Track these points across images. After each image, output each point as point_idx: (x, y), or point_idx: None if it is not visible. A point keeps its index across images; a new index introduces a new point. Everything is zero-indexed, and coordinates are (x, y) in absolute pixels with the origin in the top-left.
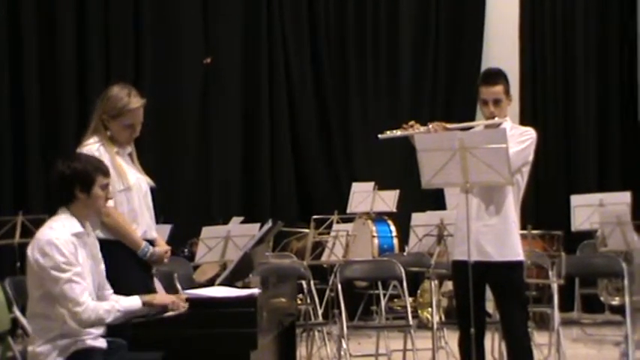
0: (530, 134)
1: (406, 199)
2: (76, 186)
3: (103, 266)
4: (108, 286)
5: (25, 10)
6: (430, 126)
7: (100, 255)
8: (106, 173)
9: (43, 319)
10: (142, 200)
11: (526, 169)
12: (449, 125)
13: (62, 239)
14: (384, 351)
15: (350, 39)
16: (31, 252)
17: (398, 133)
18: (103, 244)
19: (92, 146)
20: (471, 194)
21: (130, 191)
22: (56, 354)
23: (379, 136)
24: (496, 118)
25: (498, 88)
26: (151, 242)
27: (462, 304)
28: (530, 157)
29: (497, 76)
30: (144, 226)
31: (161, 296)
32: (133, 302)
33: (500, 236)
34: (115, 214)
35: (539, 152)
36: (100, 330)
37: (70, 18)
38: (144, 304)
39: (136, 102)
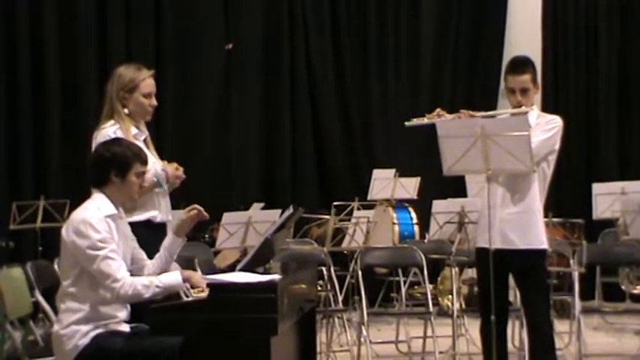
0: (556, 122)
1: (427, 186)
2: (112, 169)
3: (135, 243)
4: (144, 256)
5: (46, 5)
6: (457, 115)
7: (131, 235)
8: (144, 162)
9: (73, 299)
10: None
11: (552, 158)
12: (476, 114)
13: (97, 218)
14: (403, 338)
15: (371, 25)
16: (66, 232)
17: (425, 120)
18: None
19: (109, 129)
20: (496, 182)
21: (161, 188)
22: (80, 336)
23: (406, 123)
24: (523, 107)
25: (526, 77)
26: (165, 225)
27: (484, 291)
28: (557, 146)
29: (525, 64)
30: (159, 210)
31: (199, 275)
32: (174, 277)
33: (525, 224)
34: None
35: (562, 140)
36: (124, 315)
37: (91, 5)
38: (184, 280)
39: (147, 72)
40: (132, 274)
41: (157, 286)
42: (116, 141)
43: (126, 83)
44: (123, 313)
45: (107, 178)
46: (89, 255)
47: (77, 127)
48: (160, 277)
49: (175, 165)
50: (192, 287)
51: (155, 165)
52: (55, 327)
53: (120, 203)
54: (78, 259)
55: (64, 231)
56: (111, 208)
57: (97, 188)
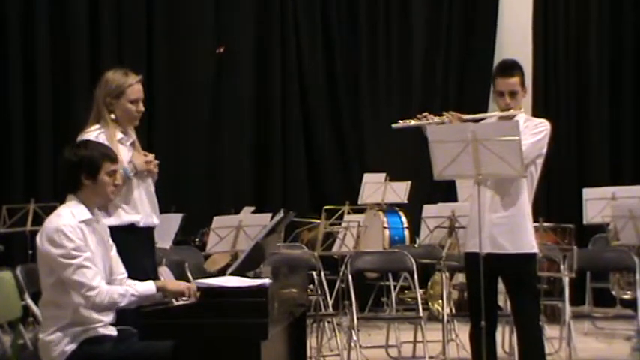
0: (544, 126)
1: (418, 191)
2: (82, 173)
3: (114, 251)
4: (122, 269)
5: (38, 3)
6: (445, 116)
7: (110, 240)
8: (113, 160)
9: (55, 307)
10: (142, 189)
11: (540, 161)
12: (464, 116)
13: (70, 226)
14: (394, 342)
15: (362, 29)
16: (40, 241)
17: (412, 123)
18: None
19: (91, 134)
20: (485, 186)
21: (130, 180)
22: (67, 342)
23: (393, 125)
24: (511, 110)
25: (514, 80)
26: (152, 229)
27: (473, 296)
28: (544, 150)
29: (513, 67)
30: (144, 214)
31: (174, 282)
32: (148, 287)
33: (515, 228)
34: None
35: (552, 145)
36: (110, 318)
37: (83, 9)
38: (158, 289)
39: (134, 77)
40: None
41: (133, 295)
42: (82, 144)
43: (113, 89)
44: (108, 317)
45: (79, 182)
46: (63, 263)
47: (68, 131)
48: (136, 285)
49: (143, 153)
50: (165, 294)
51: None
52: (41, 334)
53: (95, 205)
54: (53, 267)
55: (38, 239)
56: (85, 213)
57: (71, 194)
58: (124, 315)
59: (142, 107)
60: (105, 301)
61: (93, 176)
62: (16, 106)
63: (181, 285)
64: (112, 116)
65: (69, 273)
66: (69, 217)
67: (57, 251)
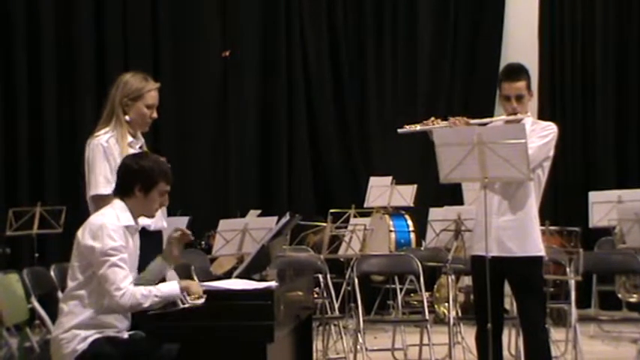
0: (551, 129)
1: (424, 194)
2: (137, 183)
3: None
4: None
5: (44, 4)
6: (451, 120)
7: (138, 252)
8: (169, 181)
9: (76, 303)
10: None
11: (547, 164)
12: (470, 120)
13: (114, 225)
14: (400, 345)
15: (368, 33)
16: (82, 234)
17: (417, 127)
18: None
19: (102, 137)
20: (492, 189)
21: None
22: (79, 340)
23: (398, 130)
24: (518, 114)
25: (521, 84)
26: (161, 232)
27: (480, 299)
28: (551, 152)
29: (519, 71)
30: (154, 218)
31: (197, 285)
32: (172, 287)
33: (522, 231)
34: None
35: (558, 148)
36: (125, 325)
37: (88, 12)
38: (181, 289)
39: (153, 84)
40: None
41: (156, 296)
42: (145, 155)
43: (132, 91)
44: (124, 324)
45: (131, 191)
46: (100, 260)
47: (74, 135)
48: (159, 286)
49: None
50: (189, 294)
51: None
52: (55, 331)
53: (138, 216)
54: (91, 262)
55: (79, 233)
56: (130, 220)
57: (120, 198)
58: (134, 319)
59: (155, 114)
60: (128, 303)
61: (146, 190)
62: (21, 109)
63: (201, 289)
64: (127, 117)
65: (102, 269)
66: (114, 218)
67: (97, 246)
